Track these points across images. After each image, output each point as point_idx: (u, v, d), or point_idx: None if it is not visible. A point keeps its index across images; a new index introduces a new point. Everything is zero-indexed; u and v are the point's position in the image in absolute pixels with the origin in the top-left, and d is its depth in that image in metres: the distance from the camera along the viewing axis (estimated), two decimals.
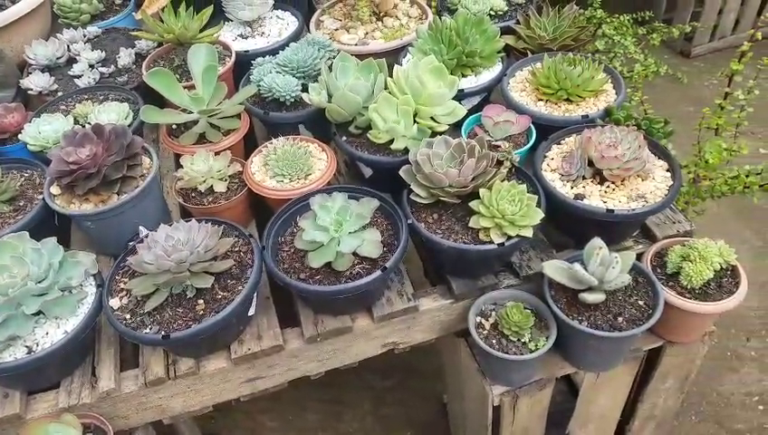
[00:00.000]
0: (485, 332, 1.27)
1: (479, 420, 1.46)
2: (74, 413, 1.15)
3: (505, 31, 1.77)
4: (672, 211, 1.43)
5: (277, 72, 1.58)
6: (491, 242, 1.17)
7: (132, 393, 1.20)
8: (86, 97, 1.70)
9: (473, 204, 1.21)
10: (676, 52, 3.76)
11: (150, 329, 1.10)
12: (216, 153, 1.43)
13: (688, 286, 1.25)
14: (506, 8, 1.90)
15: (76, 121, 1.59)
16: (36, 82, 1.76)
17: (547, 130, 1.44)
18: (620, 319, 1.20)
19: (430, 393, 2.25)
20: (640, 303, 1.23)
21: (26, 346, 1.09)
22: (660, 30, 2.54)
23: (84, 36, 1.96)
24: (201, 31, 1.73)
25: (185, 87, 1.53)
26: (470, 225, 1.20)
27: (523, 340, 1.23)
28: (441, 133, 1.38)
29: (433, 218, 1.26)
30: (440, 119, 1.41)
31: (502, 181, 1.22)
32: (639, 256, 1.34)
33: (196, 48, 1.53)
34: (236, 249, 1.22)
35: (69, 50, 1.89)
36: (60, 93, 1.75)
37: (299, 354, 1.28)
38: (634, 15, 2.49)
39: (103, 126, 1.32)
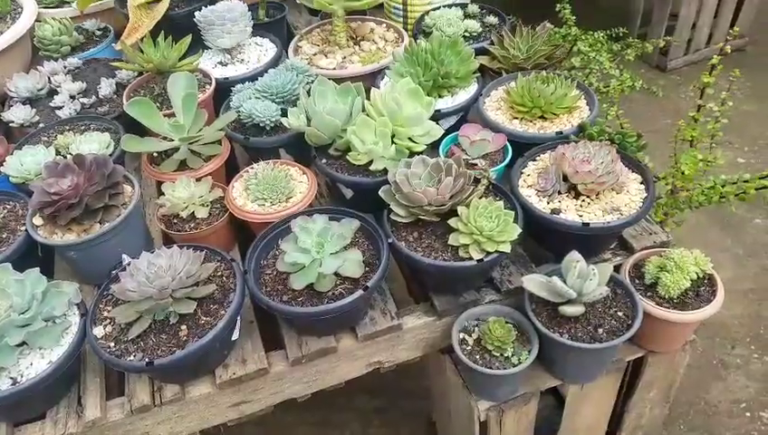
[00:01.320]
0: (469, 347, 1.28)
1: None
2: None
3: (480, 51, 1.82)
4: (648, 223, 1.46)
5: (257, 97, 1.61)
6: (470, 258, 1.19)
7: (118, 422, 1.20)
8: (67, 128, 1.71)
9: (451, 221, 1.23)
10: (652, 66, 3.85)
11: (134, 356, 1.10)
12: (198, 179, 1.44)
13: (666, 296, 1.27)
14: (480, 29, 1.95)
15: (58, 152, 1.59)
16: (17, 114, 1.77)
17: (523, 148, 1.47)
18: (601, 330, 1.22)
19: (418, 413, 2.24)
20: (620, 314, 1.25)
21: (11, 377, 1.09)
22: (635, 45, 2.60)
23: (65, 68, 1.97)
24: (180, 60, 1.76)
25: (165, 115, 1.55)
26: (449, 242, 1.22)
27: (506, 354, 1.24)
28: (419, 153, 1.41)
29: (413, 237, 1.28)
30: (418, 139, 1.44)
31: (479, 198, 1.24)
32: (618, 268, 1.37)
33: (175, 77, 1.55)
34: (219, 274, 1.23)
35: (50, 82, 1.91)
36: (41, 125, 1.76)
37: (284, 377, 1.28)
38: (608, 32, 2.55)
39: (84, 156, 1.33)
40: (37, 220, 1.35)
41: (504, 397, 1.33)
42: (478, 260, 1.18)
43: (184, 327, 1.13)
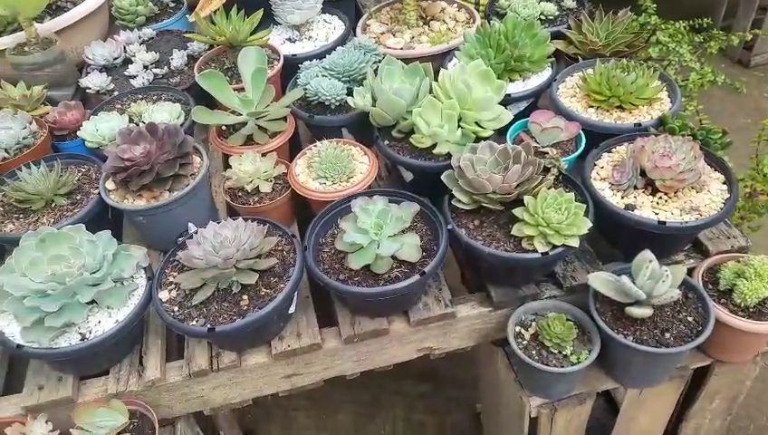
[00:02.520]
0: (525, 342, 1.25)
1: (515, 431, 1.44)
2: (121, 400, 1.20)
3: (556, 36, 1.75)
4: (727, 226, 1.37)
5: (323, 75, 1.60)
6: (534, 251, 1.15)
7: (176, 384, 1.24)
8: (140, 97, 1.76)
9: (517, 211, 1.19)
10: (734, 61, 3.62)
11: (197, 322, 1.13)
12: (263, 154, 1.46)
13: (742, 304, 1.20)
14: (557, 13, 1.87)
15: (131, 120, 1.64)
16: (94, 81, 1.84)
17: (597, 138, 1.41)
18: (668, 335, 1.16)
19: (463, 402, 2.23)
20: (689, 319, 1.18)
21: (80, 333, 1.14)
22: (718, 38, 2.44)
23: (139, 38, 2.03)
24: (251, 34, 1.77)
25: (234, 89, 1.57)
26: (513, 232, 1.19)
27: (564, 352, 1.20)
28: (486, 138, 1.37)
29: (474, 225, 1.25)
30: (485, 124, 1.40)
31: (548, 189, 1.19)
32: (690, 271, 1.30)
33: (246, 51, 1.57)
34: (279, 248, 1.24)
35: (125, 51, 1.97)
36: (116, 93, 1.82)
37: (336, 354, 1.29)
38: (690, 22, 2.41)
39: (157, 125, 1.37)
40: (110, 185, 1.39)
41: (558, 395, 1.29)
42: (543, 253, 1.14)
43: (245, 297, 1.15)
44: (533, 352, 1.23)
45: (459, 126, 1.37)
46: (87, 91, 1.85)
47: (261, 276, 1.18)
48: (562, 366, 1.19)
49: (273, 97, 1.56)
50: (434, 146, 1.37)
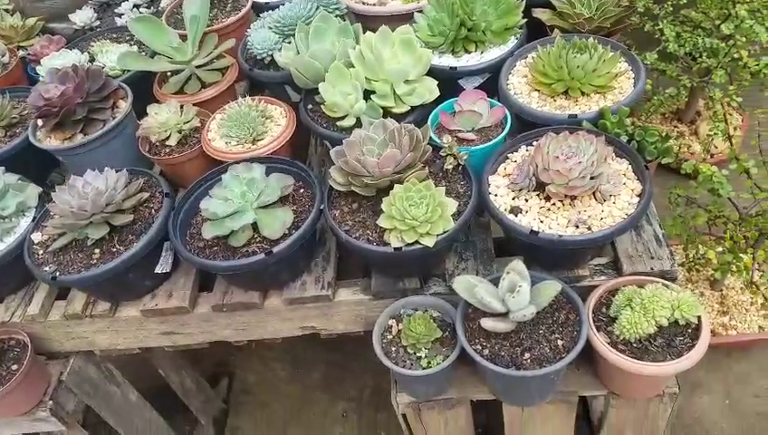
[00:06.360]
0: (391, 337, 1.17)
1: None
2: (9, 327, 1.29)
3: (546, 4, 1.54)
4: (657, 244, 1.18)
5: (269, 27, 1.53)
6: (389, 244, 1.06)
7: (57, 322, 1.30)
8: (115, 36, 1.79)
9: (385, 200, 1.09)
10: None
11: (48, 268, 1.16)
12: (181, 106, 1.42)
13: (621, 337, 1.04)
14: None
15: (92, 59, 1.68)
16: (80, 17, 1.89)
17: (534, 126, 1.24)
18: (527, 356, 1.03)
19: None
20: (559, 342, 1.04)
21: None
22: None
23: None
24: None
25: (181, 36, 1.54)
26: (377, 222, 1.09)
27: (418, 354, 1.11)
28: (401, 114, 1.26)
29: (350, 208, 1.16)
30: (404, 98, 1.28)
31: (421, 180, 1.08)
32: (592, 290, 1.14)
33: None
34: (150, 206, 1.23)
35: None
36: (99, 29, 1.86)
37: (210, 319, 1.28)
38: None
39: (78, 67, 1.38)
40: (40, 122, 1.44)
41: (424, 396, 1.20)
42: (396, 249, 1.04)
43: (98, 251, 1.16)
44: (393, 348, 1.15)
45: (369, 97, 1.27)
46: (73, 26, 1.90)
47: (120, 232, 1.18)
48: (411, 368, 1.10)
49: (216, 44, 1.52)
50: (345, 117, 1.28)
